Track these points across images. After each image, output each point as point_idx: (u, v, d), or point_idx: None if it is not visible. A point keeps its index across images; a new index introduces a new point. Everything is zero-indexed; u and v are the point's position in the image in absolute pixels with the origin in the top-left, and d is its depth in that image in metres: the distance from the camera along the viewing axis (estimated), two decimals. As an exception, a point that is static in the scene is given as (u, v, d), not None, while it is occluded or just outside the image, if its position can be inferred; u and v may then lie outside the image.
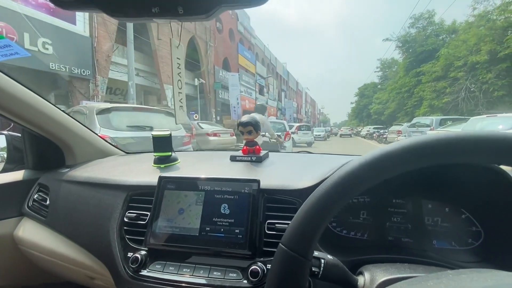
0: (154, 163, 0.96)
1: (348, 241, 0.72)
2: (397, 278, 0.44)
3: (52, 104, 1.06)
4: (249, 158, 0.96)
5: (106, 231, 0.77)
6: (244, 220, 0.67)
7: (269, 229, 0.68)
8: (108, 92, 12.18)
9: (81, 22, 10.09)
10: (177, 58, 0.81)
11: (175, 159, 0.98)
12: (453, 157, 0.39)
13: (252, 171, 0.87)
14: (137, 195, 0.80)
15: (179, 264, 0.67)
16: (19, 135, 1.19)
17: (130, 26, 9.28)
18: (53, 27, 9.08)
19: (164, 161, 0.95)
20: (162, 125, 5.03)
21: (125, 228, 0.76)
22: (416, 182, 0.70)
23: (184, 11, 0.41)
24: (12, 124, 1.04)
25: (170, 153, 0.96)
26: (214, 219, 0.68)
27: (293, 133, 13.82)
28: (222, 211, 0.69)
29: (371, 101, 41.65)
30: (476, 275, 0.33)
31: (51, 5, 0.47)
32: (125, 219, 0.76)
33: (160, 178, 0.75)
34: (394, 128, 16.69)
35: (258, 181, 0.70)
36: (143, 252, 0.69)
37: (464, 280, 0.32)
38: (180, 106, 0.89)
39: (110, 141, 3.95)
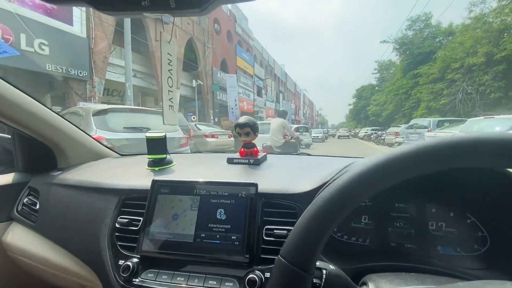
0: (148, 165, 0.93)
1: (349, 247, 0.69)
2: None
3: (44, 104, 1.03)
4: (247, 161, 0.93)
5: (97, 238, 0.74)
6: (241, 226, 0.64)
7: (267, 235, 0.65)
8: (105, 93, 12.12)
9: (78, 23, 10.04)
10: (168, 53, 0.78)
11: (170, 162, 0.95)
12: (475, 160, 0.37)
13: (249, 174, 0.84)
14: (130, 200, 0.77)
15: (173, 272, 0.64)
16: (9, 136, 1.16)
17: (127, 27, 9.25)
18: (49, 28, 9.03)
19: (158, 164, 0.92)
20: (159, 127, 4.98)
21: (116, 234, 0.72)
22: (419, 185, 0.67)
23: (176, 5, 0.38)
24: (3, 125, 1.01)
25: (164, 156, 0.93)
26: (209, 225, 0.65)
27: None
28: (218, 217, 0.66)
29: (368, 102, 41.77)
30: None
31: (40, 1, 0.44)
32: (117, 225, 0.73)
33: (154, 181, 0.72)
34: (392, 129, 16.72)
35: (255, 185, 0.67)
36: (135, 260, 0.66)
37: None
38: (170, 105, 0.85)
39: (106, 143, 3.92)
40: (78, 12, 9.89)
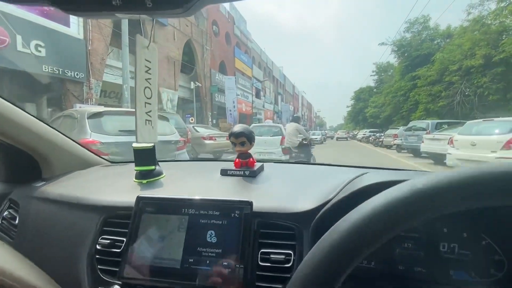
0: (136, 178, 0.86)
1: (352, 270, 0.63)
2: None
3: (25, 111, 0.97)
4: (242, 172, 0.87)
5: (76, 260, 0.67)
6: (234, 250, 0.57)
7: (262, 260, 0.59)
8: (103, 95, 12.03)
9: (75, 24, 9.97)
10: (147, 60, 0.71)
11: (159, 173, 0.88)
12: None
13: (244, 188, 0.78)
14: (113, 218, 0.70)
15: None
16: None
17: (125, 29, 9.18)
18: (46, 29, 8.95)
19: (146, 176, 0.85)
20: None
21: (97, 256, 0.66)
22: None
23: (153, 4, 0.32)
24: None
25: (153, 167, 0.86)
26: (198, 248, 0.59)
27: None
28: (208, 239, 0.59)
29: (367, 104, 41.70)
30: None
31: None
32: (98, 246, 0.66)
33: (138, 199, 0.66)
34: (390, 131, 16.70)
35: (250, 203, 0.61)
36: (116, 287, 0.60)
37: None
38: (146, 120, 0.77)
39: (101, 146, 3.80)
40: (75, 14, 9.81)
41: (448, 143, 7.12)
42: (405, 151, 12.61)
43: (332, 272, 0.32)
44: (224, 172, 0.89)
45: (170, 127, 5.28)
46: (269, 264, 0.58)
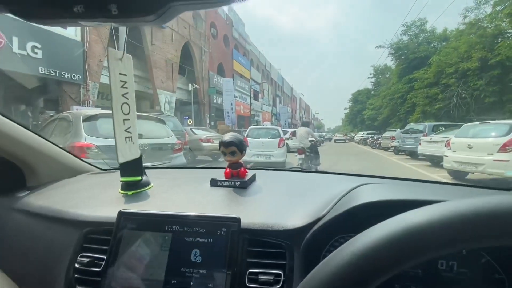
0: (121, 189, 0.82)
1: None
2: None
3: (8, 118, 0.92)
4: (232, 183, 0.83)
5: (54, 279, 0.63)
6: (219, 271, 0.53)
7: (250, 280, 0.55)
8: (100, 97, 11.97)
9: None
10: (121, 74, 0.66)
11: (146, 184, 0.84)
12: None
13: (234, 201, 0.74)
14: (93, 234, 0.66)
15: None
16: None
17: (122, 30, 9.15)
18: (42, 31, 8.89)
19: (132, 187, 0.81)
20: (152, 132, 4.88)
21: (76, 276, 0.62)
22: None
23: (120, 11, 0.31)
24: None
25: (139, 178, 0.82)
26: (182, 269, 0.55)
27: (287, 139, 13.71)
28: (193, 259, 0.55)
29: (364, 107, 41.83)
30: None
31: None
32: (77, 265, 0.62)
33: (120, 214, 0.61)
34: (388, 134, 16.72)
35: (237, 220, 0.57)
36: None
37: None
38: (126, 137, 0.72)
39: (96, 150, 3.74)
40: (73, 15, 9.79)
41: (445, 146, 7.12)
42: (403, 153, 12.62)
43: None
44: (213, 183, 0.85)
45: (166, 130, 5.24)
46: (257, 286, 0.54)
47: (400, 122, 23.72)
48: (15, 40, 8.17)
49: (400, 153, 13.01)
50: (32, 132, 1.00)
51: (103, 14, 0.30)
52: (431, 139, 8.93)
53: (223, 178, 0.85)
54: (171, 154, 5.02)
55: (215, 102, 21.85)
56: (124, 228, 0.60)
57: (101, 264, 0.60)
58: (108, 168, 1.28)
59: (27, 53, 8.51)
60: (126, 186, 0.81)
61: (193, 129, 10.00)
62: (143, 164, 0.89)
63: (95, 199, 0.80)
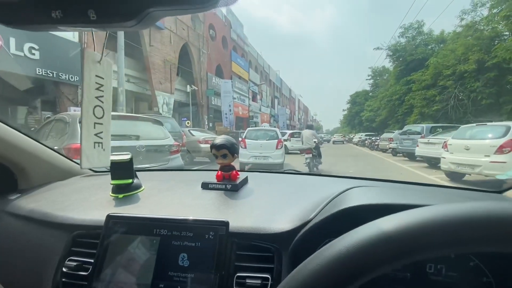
0: (112, 192, 0.81)
1: None
2: None
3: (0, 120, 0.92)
4: (223, 186, 0.83)
5: (41, 283, 0.62)
6: (207, 276, 0.53)
7: (238, 284, 0.55)
8: (98, 99, 11.93)
9: (71, 27, 9.91)
10: (98, 76, 0.65)
11: (137, 187, 0.84)
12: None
13: (224, 204, 0.73)
14: (82, 237, 0.66)
15: None
16: None
17: (121, 32, 9.15)
18: (40, 32, 8.86)
19: (123, 190, 0.81)
20: (150, 134, 4.87)
21: (63, 280, 0.61)
22: None
23: (98, 17, 0.31)
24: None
25: (130, 181, 0.82)
26: (169, 273, 0.54)
27: (286, 140, 13.74)
28: (180, 263, 0.55)
29: (362, 108, 41.90)
30: None
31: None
32: (64, 269, 0.62)
33: (108, 217, 0.61)
34: (386, 135, 16.76)
35: (226, 224, 0.57)
36: None
37: None
38: (95, 142, 0.71)
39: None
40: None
41: (442, 147, 7.15)
42: (401, 154, 12.65)
43: None
44: (205, 186, 0.85)
45: (164, 132, 5.23)
46: None
47: (398, 123, 23.78)
48: (12, 41, 8.14)
49: (398, 154, 13.04)
50: (24, 134, 0.99)
51: (81, 19, 0.30)
52: (428, 140, 8.96)
53: (215, 181, 0.85)
54: (168, 156, 5.02)
55: (213, 103, 21.84)
56: (112, 231, 0.60)
57: (89, 268, 0.60)
58: (102, 170, 1.28)
59: (24, 54, 8.48)
60: (116, 189, 0.81)
61: (191, 131, 9.99)
62: (139, 166, 0.88)
63: (85, 202, 0.80)
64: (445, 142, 7.05)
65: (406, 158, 11.88)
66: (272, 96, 42.84)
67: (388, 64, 32.36)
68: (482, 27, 17.20)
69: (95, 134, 0.64)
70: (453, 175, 6.62)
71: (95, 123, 0.64)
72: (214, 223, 0.57)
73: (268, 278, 0.55)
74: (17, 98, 9.38)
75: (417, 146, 9.50)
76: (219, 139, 0.82)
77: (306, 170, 8.16)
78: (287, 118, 45.21)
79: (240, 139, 9.02)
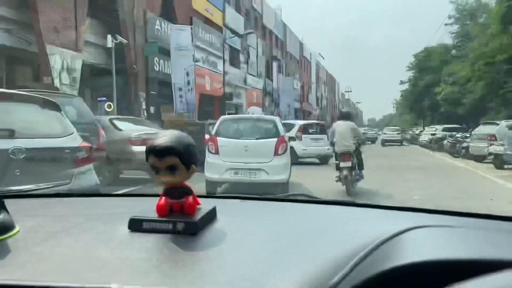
0: None
1: None
2: None
3: None
4: (170, 226, 0.83)
5: None
6: None
7: None
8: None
9: None
10: None
11: (6, 228, 0.83)
12: None
13: (167, 263, 0.74)
14: None
15: None
16: None
17: None
18: None
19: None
20: (34, 126, 4.88)
21: None
22: None
23: None
24: None
25: None
26: None
27: (293, 138, 13.82)
28: None
29: (438, 79, 42.58)
30: None
31: None
32: None
33: None
34: (482, 129, 17.03)
35: None
36: None
37: None
38: None
39: None
40: None
41: None
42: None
43: None
44: (135, 225, 0.85)
45: (62, 123, 5.23)
46: None
47: (506, 107, 24.23)
48: None
49: (506, 166, 13.30)
50: None
51: None
52: None
53: (155, 215, 0.86)
54: (72, 169, 5.03)
55: (156, 69, 21.94)
56: None
57: None
58: None
59: None
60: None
61: (115, 121, 10.05)
62: (14, 188, 0.89)
63: None
64: None
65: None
66: (268, 57, 43.18)
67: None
68: None
69: None
70: None
71: None
72: None
73: None
74: None
75: None
76: (163, 138, 0.84)
77: (336, 190, 8.35)
78: (296, 98, 45.65)
79: (206, 136, 9.10)
